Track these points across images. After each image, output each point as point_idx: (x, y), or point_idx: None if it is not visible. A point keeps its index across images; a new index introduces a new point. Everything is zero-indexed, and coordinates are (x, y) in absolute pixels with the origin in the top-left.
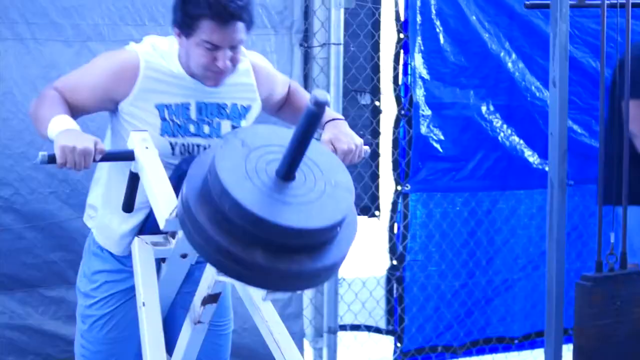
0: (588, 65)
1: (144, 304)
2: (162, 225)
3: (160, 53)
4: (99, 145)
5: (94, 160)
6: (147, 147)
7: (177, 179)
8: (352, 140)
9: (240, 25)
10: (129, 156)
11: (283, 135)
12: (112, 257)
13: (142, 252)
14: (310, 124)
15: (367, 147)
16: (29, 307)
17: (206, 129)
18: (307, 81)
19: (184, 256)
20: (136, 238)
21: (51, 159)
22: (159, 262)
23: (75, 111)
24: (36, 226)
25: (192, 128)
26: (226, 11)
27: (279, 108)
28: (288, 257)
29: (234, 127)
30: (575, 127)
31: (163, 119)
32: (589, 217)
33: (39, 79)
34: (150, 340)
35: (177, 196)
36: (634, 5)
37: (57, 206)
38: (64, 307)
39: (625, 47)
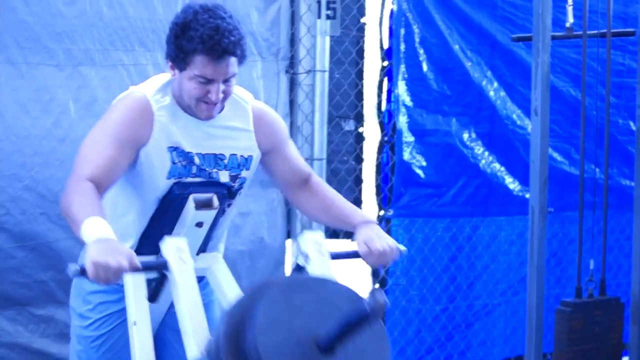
0: (568, 94)
1: (135, 323)
2: (189, 357)
3: (165, 95)
4: (134, 262)
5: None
6: (183, 260)
7: (168, 204)
8: (386, 242)
9: (233, 60)
10: (162, 267)
11: (331, 293)
12: None
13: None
14: (362, 321)
15: (403, 247)
16: (18, 325)
17: (205, 174)
18: (292, 107)
19: None
20: None
21: (82, 272)
22: (150, 281)
23: (109, 179)
24: (26, 246)
25: (194, 169)
26: (219, 47)
27: (293, 189)
28: None
29: (232, 177)
30: (555, 154)
31: (172, 162)
32: (568, 244)
33: (31, 102)
34: (141, 358)
35: (164, 220)
36: (614, 34)
37: (47, 227)
38: (52, 325)
39: (605, 77)
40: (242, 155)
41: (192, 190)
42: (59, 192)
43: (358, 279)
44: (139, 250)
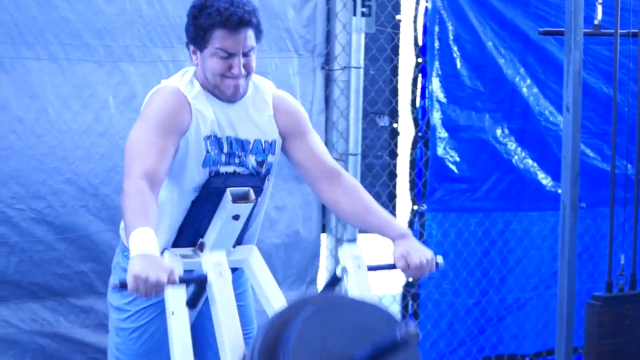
0: (600, 91)
1: (173, 313)
2: None
3: (193, 86)
4: (172, 277)
5: None
6: (221, 274)
7: (206, 196)
8: (423, 255)
9: (250, 32)
10: (202, 280)
11: (365, 316)
12: None
13: (171, 263)
14: (392, 349)
15: (440, 258)
16: (59, 316)
17: (236, 160)
18: (328, 103)
19: None
20: (166, 251)
21: (123, 285)
22: (187, 273)
23: (162, 170)
24: (67, 238)
25: (223, 158)
26: (236, 16)
27: (320, 182)
28: None
29: (258, 162)
30: (588, 150)
31: (207, 151)
32: (600, 239)
33: (72, 97)
34: (179, 347)
35: (198, 211)
36: None
37: (88, 219)
38: (92, 315)
39: (637, 74)
40: (265, 140)
41: (230, 183)
42: (99, 186)
43: (391, 274)
44: (177, 242)
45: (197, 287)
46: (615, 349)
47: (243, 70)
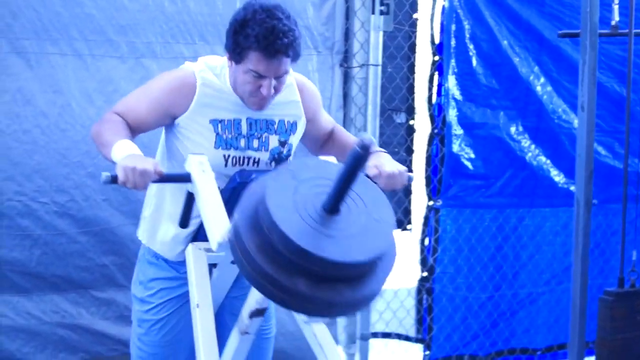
0: (612, 90)
1: (198, 306)
2: (214, 247)
3: (214, 72)
4: (158, 168)
5: (152, 181)
6: (203, 171)
7: (230, 191)
8: (396, 167)
9: (286, 59)
10: (185, 179)
11: (330, 169)
12: (167, 264)
13: (196, 257)
14: (356, 165)
15: (412, 174)
16: (80, 308)
17: (255, 143)
18: (346, 100)
19: (233, 262)
20: (190, 245)
21: (114, 179)
22: (211, 267)
23: (137, 129)
24: (89, 231)
25: (242, 142)
26: (273, 47)
27: (321, 145)
28: (329, 287)
29: (281, 142)
30: (600, 148)
31: (217, 133)
32: (611, 235)
33: (95, 92)
34: (204, 339)
35: (229, 209)
36: None
37: (110, 213)
38: (113, 308)
39: None
40: (289, 121)
41: (254, 178)
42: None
43: (406, 268)
44: (198, 236)
45: (186, 203)
46: (627, 344)
47: (272, 92)
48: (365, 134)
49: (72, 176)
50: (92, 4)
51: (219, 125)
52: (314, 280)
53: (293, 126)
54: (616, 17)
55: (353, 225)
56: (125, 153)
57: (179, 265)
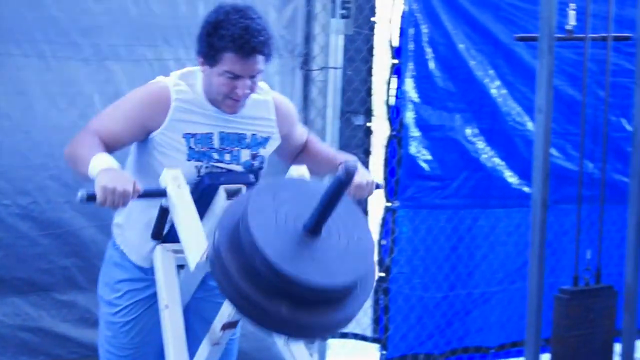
0: (564, 92)
1: (167, 307)
2: (192, 267)
3: (188, 82)
4: (137, 186)
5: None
6: (179, 186)
7: (200, 192)
8: (364, 176)
9: (260, 58)
10: (162, 193)
11: (310, 188)
12: (134, 266)
13: (164, 258)
14: (339, 189)
15: (380, 181)
16: (41, 310)
17: (227, 156)
18: (306, 102)
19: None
20: (158, 246)
21: (90, 198)
22: (178, 268)
23: (111, 146)
24: (51, 234)
25: (215, 155)
26: (248, 45)
27: (295, 156)
28: (310, 310)
29: (252, 155)
30: (552, 150)
31: (189, 147)
32: (562, 235)
33: (59, 94)
34: (174, 340)
35: (199, 209)
36: (616, 39)
37: (72, 215)
38: (74, 310)
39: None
40: (261, 136)
41: (223, 180)
42: (83, 182)
43: None
44: (168, 237)
45: (159, 216)
46: (582, 340)
47: (247, 91)
48: (351, 158)
49: (35, 178)
50: (55, 6)
51: (192, 140)
52: (295, 303)
53: (265, 140)
54: (572, 22)
55: (334, 248)
56: (102, 167)
57: (146, 268)
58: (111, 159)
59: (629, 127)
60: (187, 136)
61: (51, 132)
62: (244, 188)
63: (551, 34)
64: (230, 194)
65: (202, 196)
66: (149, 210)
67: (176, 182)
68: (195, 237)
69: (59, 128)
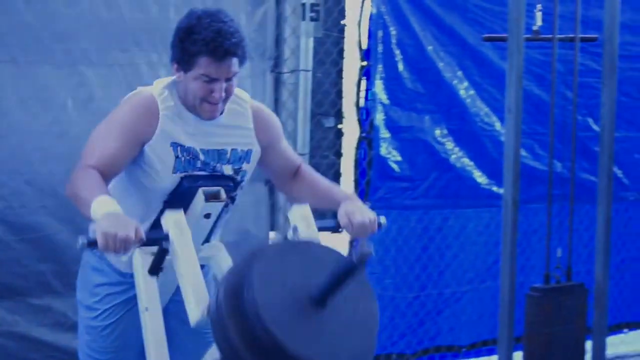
0: (531, 92)
1: (146, 309)
2: (192, 322)
3: (170, 94)
4: (139, 233)
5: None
6: (181, 232)
7: (179, 194)
8: (367, 214)
9: (235, 60)
10: (165, 239)
11: (319, 253)
12: (112, 270)
13: (143, 261)
14: (350, 272)
15: (383, 219)
16: (16, 315)
17: (210, 168)
18: (277, 105)
19: None
20: (137, 249)
21: (91, 244)
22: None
23: (110, 171)
24: (26, 238)
25: (199, 163)
26: (222, 48)
27: (289, 181)
28: None
29: (235, 170)
30: (520, 150)
31: (177, 156)
32: (531, 234)
33: (32, 99)
34: (154, 342)
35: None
36: (583, 40)
37: (46, 220)
38: (49, 315)
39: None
40: (242, 149)
41: (202, 183)
42: (57, 186)
43: None
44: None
45: (158, 253)
46: (555, 338)
47: (224, 95)
48: (367, 247)
49: (9, 183)
50: (28, 11)
51: (178, 149)
52: None
53: (247, 154)
54: (539, 22)
55: (340, 322)
56: (104, 211)
57: (125, 272)
58: (112, 201)
59: (595, 127)
60: (175, 145)
61: (25, 136)
62: (222, 190)
63: (520, 34)
64: (209, 196)
65: (180, 199)
66: (134, 212)
67: (179, 227)
68: (196, 291)
69: (32, 133)
